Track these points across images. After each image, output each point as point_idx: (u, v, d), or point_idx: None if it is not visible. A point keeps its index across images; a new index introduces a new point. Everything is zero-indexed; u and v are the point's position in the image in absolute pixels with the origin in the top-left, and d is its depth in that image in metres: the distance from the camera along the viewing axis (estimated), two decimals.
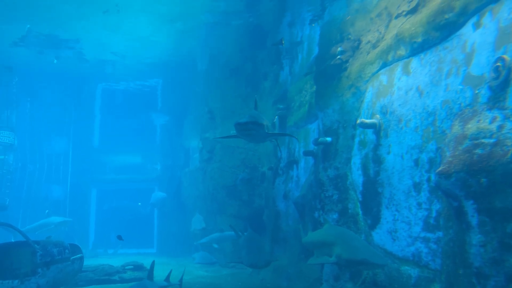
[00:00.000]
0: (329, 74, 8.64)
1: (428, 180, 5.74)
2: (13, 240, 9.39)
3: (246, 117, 6.62)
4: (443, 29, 5.64)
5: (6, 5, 12.78)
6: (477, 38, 5.01)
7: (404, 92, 6.41)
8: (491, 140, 4.37)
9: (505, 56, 4.46)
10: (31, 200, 20.27)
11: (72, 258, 9.73)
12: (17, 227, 8.87)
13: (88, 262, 11.42)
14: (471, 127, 4.70)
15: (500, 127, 4.36)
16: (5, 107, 17.15)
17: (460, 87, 5.20)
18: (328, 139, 8.26)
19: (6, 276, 8.24)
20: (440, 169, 4.83)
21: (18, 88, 18.16)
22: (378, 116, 7.00)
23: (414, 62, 6.27)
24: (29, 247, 8.72)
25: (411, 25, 6.35)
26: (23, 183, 20.23)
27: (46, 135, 20.92)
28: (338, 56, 8.33)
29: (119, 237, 11.70)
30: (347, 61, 8.25)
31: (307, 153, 9.60)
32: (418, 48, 6.16)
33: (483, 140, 4.45)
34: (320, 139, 8.37)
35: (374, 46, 7.58)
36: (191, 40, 15.36)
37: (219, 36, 14.79)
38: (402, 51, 6.54)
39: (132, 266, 12.37)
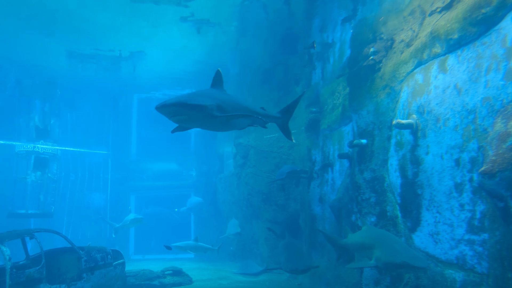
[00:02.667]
0: (362, 75, 8.54)
1: (471, 180, 5.56)
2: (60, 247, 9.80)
3: (172, 99, 5.09)
4: (481, 24, 5.48)
5: (48, 23, 13.49)
6: None
7: (441, 91, 6.25)
8: None
9: None
10: (74, 208, 21.11)
11: (114, 263, 10.06)
12: (63, 234, 9.25)
13: (128, 267, 11.75)
14: None
15: None
16: (49, 119, 17.96)
17: (502, 83, 5.02)
18: (364, 141, 8.16)
19: (54, 280, 8.62)
20: (483, 168, 4.67)
21: (60, 100, 19.01)
22: (414, 116, 6.86)
23: (451, 59, 6.10)
24: (74, 253, 9.09)
25: (446, 21, 6.20)
26: (66, 192, 21.09)
27: (87, 145, 21.73)
28: (371, 57, 8.23)
29: (168, 247, 12.04)
30: (380, 62, 8.13)
31: (342, 156, 9.51)
32: (455, 45, 6.00)
33: None
34: (355, 141, 8.28)
35: (408, 45, 7.44)
36: (223, 47, 15.58)
37: (250, 42, 14.94)
38: (437, 49, 6.39)
39: (171, 271, 12.61)
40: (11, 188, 15.88)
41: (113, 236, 17.25)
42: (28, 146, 16.39)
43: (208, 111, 5.06)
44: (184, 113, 4.98)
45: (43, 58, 16.38)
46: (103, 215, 20.24)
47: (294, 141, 7.17)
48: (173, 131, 5.95)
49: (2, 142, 17.61)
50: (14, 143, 16.79)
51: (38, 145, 16.56)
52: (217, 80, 6.08)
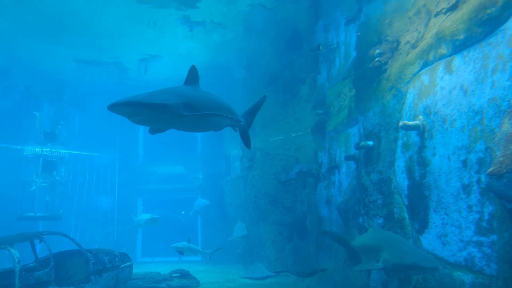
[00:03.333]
0: (368, 77, 8.53)
1: (478, 181, 5.52)
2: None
3: (127, 97, 4.58)
4: (486, 24, 5.46)
5: (57, 30, 13.66)
6: None
7: (447, 92, 6.23)
8: None
9: None
10: (81, 211, 21.27)
11: (122, 266, 10.10)
12: (71, 236, 9.31)
13: (136, 270, 11.80)
14: None
15: None
16: (56, 123, 18.12)
17: (508, 83, 4.99)
18: (370, 143, 8.14)
19: (63, 283, 8.68)
20: (491, 169, 4.65)
21: (67, 104, 19.19)
22: (421, 117, 6.83)
23: (457, 60, 6.08)
24: (82, 256, 9.14)
25: (452, 22, 6.18)
26: (74, 195, 21.27)
27: (94, 148, 21.90)
28: (377, 58, 8.22)
29: (180, 252, 12.07)
30: (386, 63, 8.12)
31: (348, 158, 9.48)
32: (461, 46, 5.98)
33: None
34: (362, 143, 8.26)
35: (414, 46, 7.42)
36: (228, 49, 15.63)
37: (255, 44, 14.98)
38: (443, 50, 6.37)
39: (178, 274, 12.64)
40: (20, 192, 16.02)
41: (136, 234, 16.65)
42: (36, 149, 16.52)
43: (173, 110, 4.54)
44: (141, 113, 4.43)
45: (51, 63, 16.57)
46: (130, 214, 19.77)
47: (251, 149, 6.73)
48: (150, 132, 5.41)
49: (10, 146, 17.80)
50: (22, 147, 16.96)
51: (46, 149, 16.69)
52: (192, 77, 5.60)
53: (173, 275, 12.61)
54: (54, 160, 16.81)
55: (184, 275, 12.70)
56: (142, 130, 23.67)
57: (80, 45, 14.99)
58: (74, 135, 20.96)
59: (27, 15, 12.73)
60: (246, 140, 6.40)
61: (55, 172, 16.87)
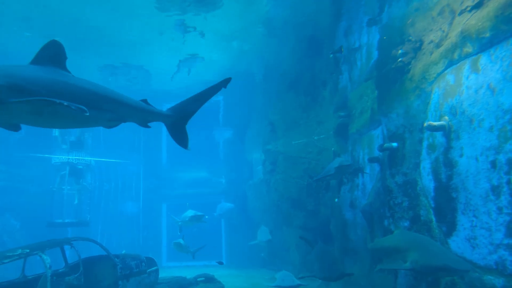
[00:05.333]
0: (391, 78, 8.42)
1: (508, 182, 5.37)
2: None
3: None
4: None
5: (82, 40, 14.08)
6: None
7: (474, 91, 6.09)
8: None
9: None
10: (108, 216, 21.70)
11: (148, 270, 10.25)
12: (98, 242, 9.51)
13: (162, 274, 11.93)
14: None
15: None
16: (83, 130, 18.56)
17: None
18: (394, 144, 8.03)
19: None
20: None
21: None
22: (446, 117, 6.70)
23: (483, 59, 5.94)
24: (110, 261, 9.32)
25: (477, 20, 6.05)
26: (101, 201, 21.72)
27: (119, 155, 22.33)
28: (400, 59, 8.11)
29: (220, 263, 12.18)
30: (409, 63, 8.01)
31: (372, 160, 9.37)
32: (487, 44, 5.84)
33: None
34: (386, 144, 8.15)
35: (438, 46, 7.29)
36: (249, 55, 15.73)
37: (275, 48, 15.01)
38: (469, 48, 6.24)
39: (203, 278, 12.72)
40: (49, 199, 16.47)
41: (179, 233, 15.55)
42: (63, 157, 16.95)
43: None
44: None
45: (76, 72, 16.96)
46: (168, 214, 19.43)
47: (188, 149, 5.33)
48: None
49: (39, 155, 18.33)
50: (50, 155, 17.44)
51: (73, 157, 17.09)
52: (47, 53, 4.20)
53: (198, 279, 12.70)
54: (81, 167, 17.22)
55: (209, 279, 12.77)
56: (165, 136, 24.01)
57: (104, 53, 15.39)
58: (100, 143, 21.41)
59: (56, 30, 13.22)
60: (177, 137, 5.36)
61: (82, 179, 17.27)
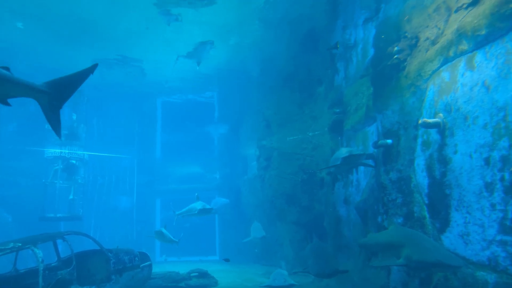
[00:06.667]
0: (386, 75, 8.43)
1: (502, 179, 5.41)
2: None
3: None
4: (509, 19, 5.34)
5: (76, 32, 13.93)
6: None
7: (469, 88, 6.11)
8: None
9: None
10: (101, 211, 21.60)
11: (141, 265, 10.22)
12: (91, 236, 9.46)
13: (155, 269, 11.91)
14: None
15: None
16: (76, 124, 18.41)
17: None
18: (389, 141, 8.05)
19: (84, 282, 8.82)
20: None
21: (86, 106, 19.47)
22: (441, 114, 6.72)
23: (478, 56, 5.96)
24: (103, 255, 9.28)
25: (473, 17, 6.07)
26: (94, 195, 21.60)
27: (113, 149, 22.20)
28: (395, 56, 8.12)
29: (227, 260, 12.10)
30: (405, 60, 8.02)
31: (367, 156, 9.38)
32: (483, 41, 5.86)
33: None
34: (380, 141, 8.17)
35: (433, 43, 7.31)
36: (244, 50, 15.65)
37: (271, 44, 14.96)
38: (464, 46, 6.25)
39: (197, 273, 12.74)
40: (41, 193, 16.35)
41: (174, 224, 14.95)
42: (56, 151, 16.78)
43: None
44: None
45: (70, 65, 16.82)
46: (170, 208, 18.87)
47: (61, 139, 4.42)
48: None
49: (32, 148, 18.15)
50: (43, 149, 17.28)
51: (66, 150, 16.95)
52: None
53: (192, 274, 12.71)
54: (74, 161, 17.08)
55: (203, 274, 12.78)
56: (159, 131, 23.92)
57: (99, 46, 15.21)
58: (94, 136, 21.28)
59: (50, 22, 13.07)
60: (54, 121, 4.44)
61: (75, 173, 17.14)
